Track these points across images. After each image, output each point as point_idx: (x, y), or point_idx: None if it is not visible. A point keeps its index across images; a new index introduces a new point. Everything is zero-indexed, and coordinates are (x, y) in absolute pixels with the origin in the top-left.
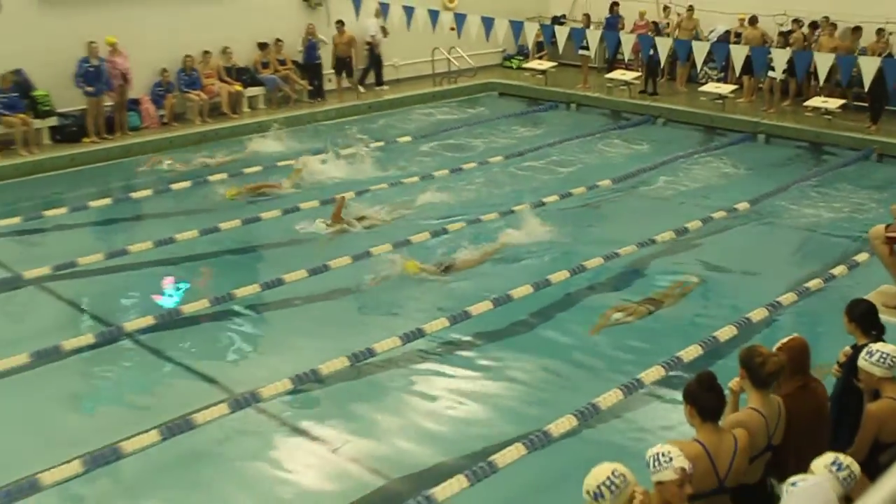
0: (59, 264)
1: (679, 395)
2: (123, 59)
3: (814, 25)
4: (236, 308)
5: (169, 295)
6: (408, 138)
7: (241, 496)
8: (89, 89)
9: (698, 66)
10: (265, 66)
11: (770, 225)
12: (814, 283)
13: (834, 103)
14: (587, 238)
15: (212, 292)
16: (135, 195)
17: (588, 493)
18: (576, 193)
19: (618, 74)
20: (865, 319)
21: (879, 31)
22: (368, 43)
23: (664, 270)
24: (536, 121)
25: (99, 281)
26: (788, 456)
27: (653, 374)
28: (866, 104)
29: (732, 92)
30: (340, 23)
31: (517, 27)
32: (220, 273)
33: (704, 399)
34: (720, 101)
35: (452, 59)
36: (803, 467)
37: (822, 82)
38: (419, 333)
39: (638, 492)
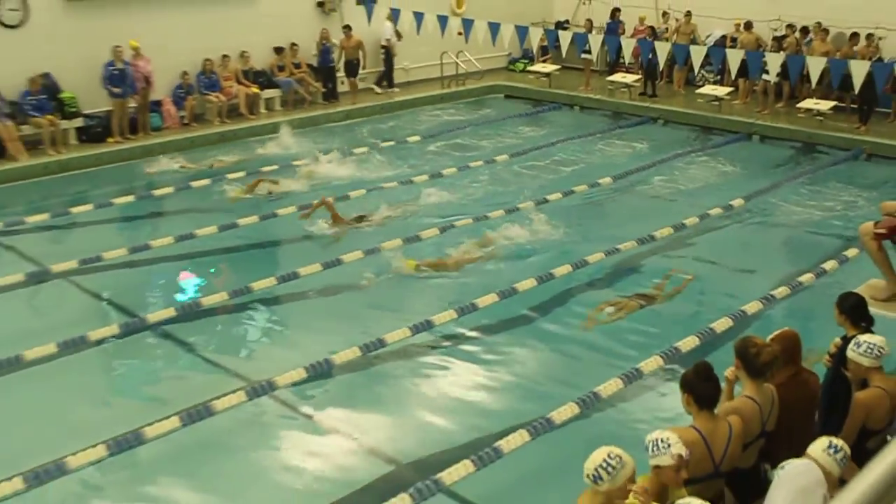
0: (84, 259)
1: (676, 384)
2: (146, 62)
3: (804, 30)
4: (253, 300)
5: (189, 288)
6: (417, 138)
7: (256, 478)
8: (116, 90)
9: (696, 70)
10: (281, 69)
11: (764, 221)
12: (806, 278)
13: (825, 105)
14: (589, 233)
15: (230, 285)
16: (156, 192)
17: (588, 476)
18: (578, 191)
19: (618, 77)
20: (855, 312)
21: (869, 37)
22: (384, 46)
23: (660, 266)
24: (541, 121)
25: (123, 274)
26: (781, 442)
27: (652, 363)
28: (854, 106)
29: (728, 94)
30: (348, 27)
31: (522, 32)
32: (238, 267)
33: (701, 388)
34: (716, 103)
35: (460, 63)
36: (795, 453)
37: (814, 85)
38: (428, 325)
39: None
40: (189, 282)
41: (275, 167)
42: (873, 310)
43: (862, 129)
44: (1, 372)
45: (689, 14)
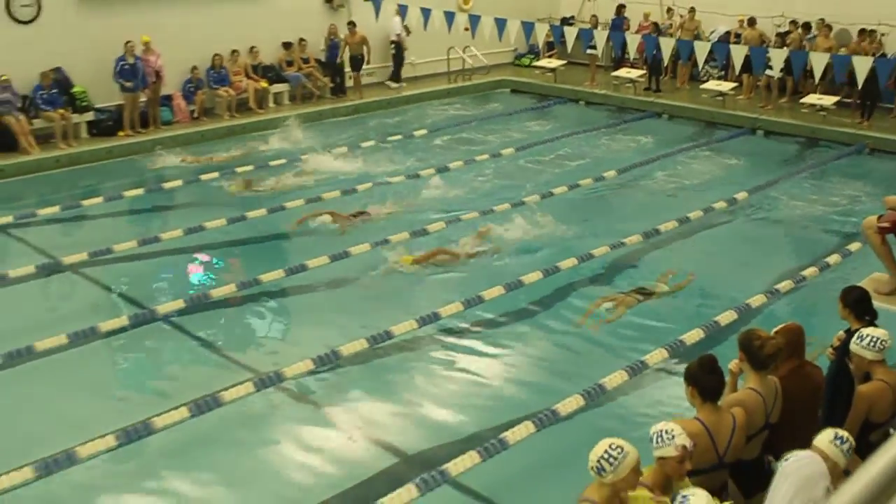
0: (95, 251)
1: (681, 377)
2: (156, 57)
3: (806, 26)
4: (261, 292)
5: (198, 280)
6: (424, 132)
7: (262, 468)
8: (127, 85)
9: (700, 65)
10: (290, 64)
11: (767, 216)
12: (810, 272)
13: (828, 100)
14: (593, 227)
15: (238, 277)
16: (166, 185)
17: (592, 469)
18: (583, 184)
19: (623, 72)
20: (859, 305)
21: (871, 32)
22: (393, 41)
23: (663, 260)
24: (546, 116)
25: (133, 266)
26: (785, 434)
27: (656, 356)
28: (858, 101)
29: (732, 89)
30: (352, 23)
31: (528, 27)
32: (247, 259)
33: (705, 381)
34: (720, 98)
35: (467, 58)
36: (799, 444)
37: (818, 80)
38: (434, 317)
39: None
40: (197, 274)
41: (282, 161)
42: (877, 303)
43: (865, 124)
44: (12, 363)
45: (692, 10)
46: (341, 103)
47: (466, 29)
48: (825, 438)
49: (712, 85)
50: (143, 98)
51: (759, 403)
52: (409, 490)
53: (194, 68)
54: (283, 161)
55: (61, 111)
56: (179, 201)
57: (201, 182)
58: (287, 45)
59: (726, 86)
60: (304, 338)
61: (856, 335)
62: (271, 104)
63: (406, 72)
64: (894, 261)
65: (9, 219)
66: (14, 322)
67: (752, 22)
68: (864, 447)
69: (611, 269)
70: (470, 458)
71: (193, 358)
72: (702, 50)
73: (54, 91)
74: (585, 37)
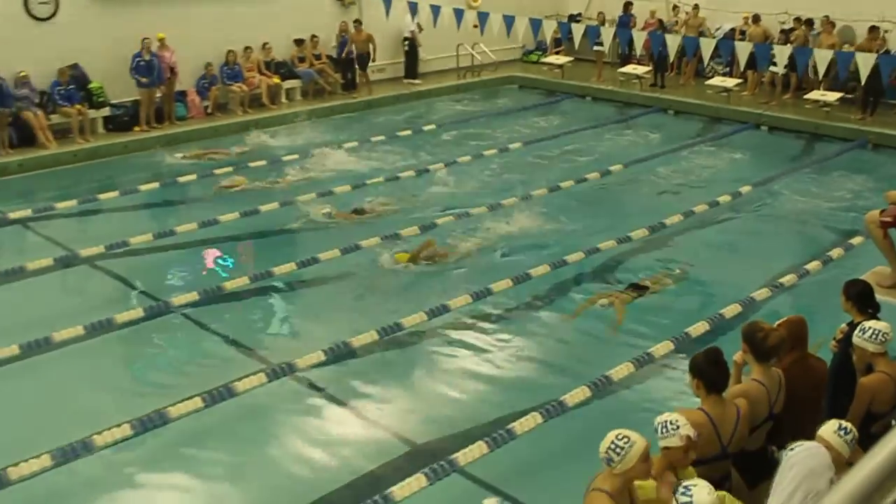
0: (111, 244)
1: (686, 369)
2: (170, 53)
3: (810, 23)
4: (274, 284)
5: (211, 272)
6: (433, 127)
7: (273, 458)
8: (143, 80)
9: (705, 62)
10: (301, 60)
11: (771, 210)
12: (813, 265)
13: (832, 96)
14: (599, 222)
15: (251, 270)
16: (181, 180)
17: (602, 459)
18: (590, 178)
19: (630, 69)
20: (861, 299)
21: (874, 29)
22: (407, 38)
23: (666, 257)
24: (554, 112)
25: (148, 259)
26: (788, 425)
27: (662, 348)
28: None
29: (737, 85)
30: (358, 22)
31: (536, 24)
32: (259, 252)
33: (710, 373)
34: (725, 94)
35: (476, 55)
36: (801, 435)
37: (821, 77)
38: (444, 309)
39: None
40: (211, 266)
41: (295, 156)
42: (879, 296)
43: (867, 119)
44: (30, 353)
45: (696, 7)
46: (352, 99)
47: (475, 26)
48: (829, 429)
49: (717, 81)
50: (158, 94)
51: (762, 394)
52: (418, 479)
53: (208, 65)
54: (295, 156)
55: (78, 107)
56: (193, 195)
57: (215, 176)
58: (299, 42)
59: (731, 82)
60: (316, 330)
61: (858, 328)
62: (284, 100)
63: None
64: None
65: (27, 212)
66: (32, 313)
67: (756, 19)
68: (866, 438)
69: (615, 263)
70: (478, 448)
71: (207, 349)
72: (707, 46)
73: (71, 87)
74: (592, 34)
